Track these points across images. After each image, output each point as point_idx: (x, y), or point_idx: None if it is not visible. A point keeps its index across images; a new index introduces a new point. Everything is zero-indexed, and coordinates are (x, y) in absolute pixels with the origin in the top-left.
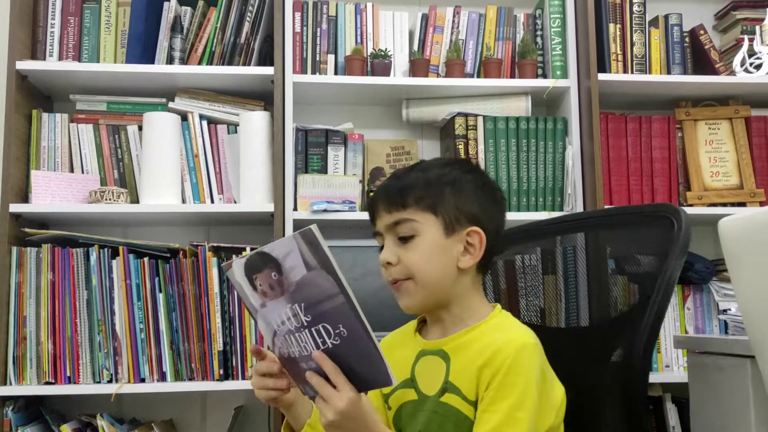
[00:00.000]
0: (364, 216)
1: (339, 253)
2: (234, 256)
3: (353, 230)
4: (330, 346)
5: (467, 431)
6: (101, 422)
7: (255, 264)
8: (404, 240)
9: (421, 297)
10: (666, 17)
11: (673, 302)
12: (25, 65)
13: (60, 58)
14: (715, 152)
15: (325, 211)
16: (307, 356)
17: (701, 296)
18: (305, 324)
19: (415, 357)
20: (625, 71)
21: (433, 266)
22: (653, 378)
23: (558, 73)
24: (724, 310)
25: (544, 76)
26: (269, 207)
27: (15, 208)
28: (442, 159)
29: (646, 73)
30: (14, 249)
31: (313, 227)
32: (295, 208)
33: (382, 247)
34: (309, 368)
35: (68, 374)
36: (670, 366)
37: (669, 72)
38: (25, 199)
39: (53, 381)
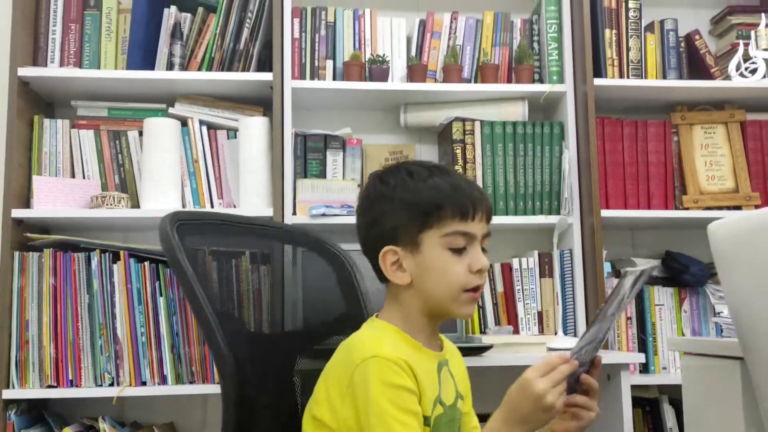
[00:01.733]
0: None
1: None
2: (234, 260)
3: (351, 234)
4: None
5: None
6: (103, 425)
7: (641, 279)
8: (483, 251)
9: None
10: (662, 22)
11: (669, 305)
12: (26, 72)
13: (61, 65)
14: (710, 156)
15: (323, 215)
16: (589, 360)
17: (697, 299)
18: (605, 334)
19: (437, 370)
20: (621, 76)
21: None
22: (650, 380)
23: (554, 78)
24: (718, 313)
25: (541, 81)
26: (268, 211)
27: (17, 213)
28: None
29: (642, 78)
30: (16, 254)
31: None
32: (294, 213)
33: (460, 250)
34: (582, 371)
35: (70, 378)
36: (667, 368)
37: (665, 77)
38: (27, 204)
39: (55, 384)
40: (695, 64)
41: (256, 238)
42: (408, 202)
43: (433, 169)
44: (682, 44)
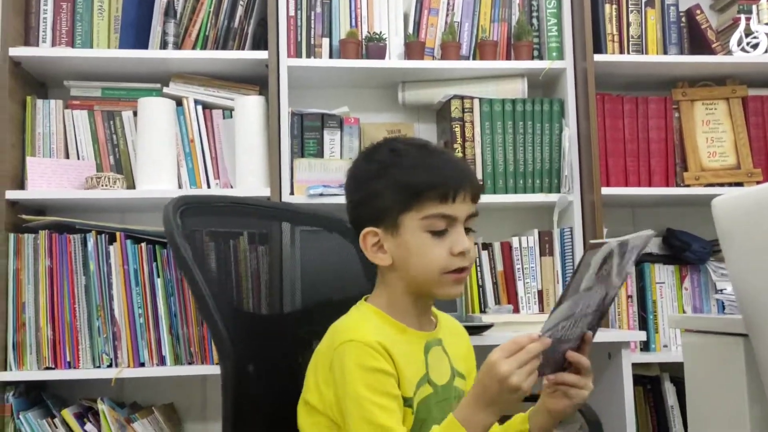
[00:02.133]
0: None
1: (333, 237)
2: (231, 241)
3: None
4: (588, 327)
5: None
6: (102, 406)
7: (619, 250)
8: (467, 231)
9: None
10: None
11: (669, 282)
12: (18, 51)
13: (53, 45)
14: (712, 132)
15: (321, 195)
16: (576, 337)
17: (698, 276)
18: (596, 308)
19: (423, 351)
20: (621, 52)
21: None
22: (651, 358)
23: (554, 54)
24: (720, 290)
25: (540, 57)
26: (265, 191)
27: (11, 194)
28: None
29: (642, 54)
30: (11, 236)
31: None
32: (292, 193)
33: (440, 232)
34: (570, 347)
35: (68, 359)
36: (668, 346)
37: (665, 52)
38: (21, 185)
39: (53, 366)
40: (696, 40)
41: (268, 220)
42: (391, 182)
43: (419, 148)
44: (683, 19)
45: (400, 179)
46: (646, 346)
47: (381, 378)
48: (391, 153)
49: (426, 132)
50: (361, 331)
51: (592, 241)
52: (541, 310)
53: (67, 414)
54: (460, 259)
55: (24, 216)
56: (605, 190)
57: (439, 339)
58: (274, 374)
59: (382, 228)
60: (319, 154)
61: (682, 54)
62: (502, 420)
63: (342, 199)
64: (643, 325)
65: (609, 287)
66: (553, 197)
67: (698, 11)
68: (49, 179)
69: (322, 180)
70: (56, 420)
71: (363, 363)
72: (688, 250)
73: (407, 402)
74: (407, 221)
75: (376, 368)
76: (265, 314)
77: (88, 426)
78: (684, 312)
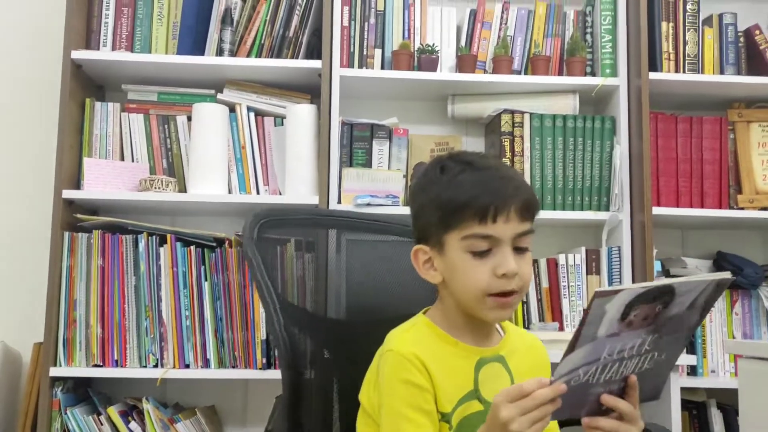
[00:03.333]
0: (407, 210)
1: (367, 247)
2: (279, 247)
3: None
4: (643, 369)
5: None
6: (146, 405)
7: (650, 296)
8: (520, 251)
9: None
10: (720, 16)
11: (720, 307)
12: (79, 54)
13: (113, 48)
14: None
15: (368, 205)
16: (614, 380)
17: (750, 302)
18: (641, 352)
19: (474, 366)
20: (677, 71)
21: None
22: (698, 383)
23: (607, 71)
24: None
25: (593, 74)
26: (314, 199)
27: (68, 194)
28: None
29: (698, 73)
30: (66, 234)
31: (729, 276)
32: (339, 201)
33: (483, 252)
34: (606, 390)
35: (116, 357)
36: (716, 371)
37: (722, 72)
38: (78, 185)
39: (101, 364)
40: (754, 60)
41: (347, 231)
42: (433, 201)
43: (467, 164)
44: (741, 39)
45: (438, 197)
46: (693, 371)
47: (414, 392)
48: (437, 169)
49: (474, 146)
50: (401, 341)
51: (598, 290)
52: None
53: (113, 412)
54: (504, 282)
55: (79, 215)
56: (656, 210)
57: (500, 356)
58: (341, 383)
59: (430, 246)
60: (368, 164)
61: (739, 74)
62: None
63: (389, 210)
64: (691, 348)
65: (658, 331)
66: (601, 215)
67: (757, 31)
68: (105, 180)
69: (369, 190)
70: (102, 417)
71: (398, 375)
72: (740, 274)
73: (444, 417)
74: (450, 241)
75: (410, 381)
76: (338, 319)
77: (133, 424)
78: (734, 337)
